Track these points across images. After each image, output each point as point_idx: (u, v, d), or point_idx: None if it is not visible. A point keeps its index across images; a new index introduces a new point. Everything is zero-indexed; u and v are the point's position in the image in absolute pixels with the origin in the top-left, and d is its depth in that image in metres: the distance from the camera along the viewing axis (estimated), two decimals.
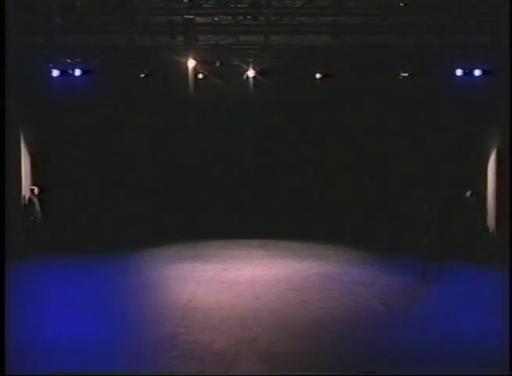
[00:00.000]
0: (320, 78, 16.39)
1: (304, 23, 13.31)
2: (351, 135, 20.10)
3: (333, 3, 12.00)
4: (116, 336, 10.05)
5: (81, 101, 18.18)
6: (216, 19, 13.04)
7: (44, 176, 18.16)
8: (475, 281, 13.88)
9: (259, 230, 19.17)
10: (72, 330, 10.29)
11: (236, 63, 15.89)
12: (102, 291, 13.05)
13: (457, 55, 14.95)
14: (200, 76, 16.18)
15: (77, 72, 15.50)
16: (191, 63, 15.00)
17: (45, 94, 17.04)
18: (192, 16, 12.81)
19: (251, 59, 15.79)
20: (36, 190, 17.92)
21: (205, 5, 12.41)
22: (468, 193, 16.92)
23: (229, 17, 12.98)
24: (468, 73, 15.35)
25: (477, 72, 15.26)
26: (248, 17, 12.84)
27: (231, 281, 14.00)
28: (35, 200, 17.84)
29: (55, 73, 15.62)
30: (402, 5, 12.09)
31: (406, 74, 15.80)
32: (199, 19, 13.05)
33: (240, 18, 12.96)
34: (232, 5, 12.34)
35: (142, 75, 15.78)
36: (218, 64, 15.52)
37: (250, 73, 16.09)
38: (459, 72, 15.43)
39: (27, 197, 17.76)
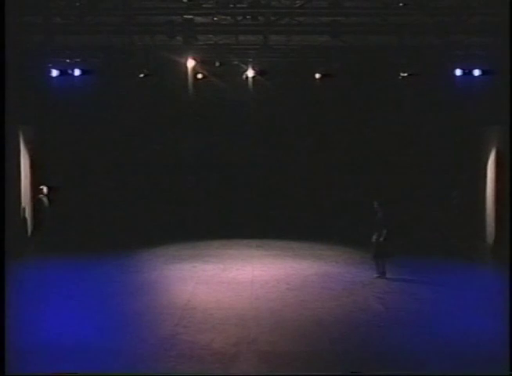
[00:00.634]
0: (320, 78, 16.42)
1: (304, 23, 13.29)
2: (350, 134, 20.12)
3: (332, 3, 11.97)
4: (115, 336, 10.06)
5: (80, 101, 18.18)
6: (215, 19, 13.02)
7: (44, 176, 18.15)
8: (475, 281, 13.87)
9: (258, 230, 19.19)
10: (72, 330, 10.30)
11: (236, 63, 15.91)
12: (102, 290, 13.05)
13: (457, 55, 14.95)
14: (200, 76, 16.22)
15: (77, 72, 15.50)
16: (190, 63, 15.00)
17: (44, 94, 17.05)
18: (191, 16, 12.78)
19: (251, 59, 15.80)
20: (45, 190, 17.81)
21: (204, 5, 12.38)
22: (454, 194, 17.04)
23: (229, 17, 12.96)
24: (468, 73, 15.35)
25: (476, 72, 15.26)
26: (247, 17, 12.81)
27: (230, 281, 14.00)
28: (44, 199, 17.79)
29: (55, 73, 15.62)
30: (401, 5, 12.08)
31: (406, 74, 15.81)
32: (198, 19, 13.03)
33: (240, 18, 12.94)
34: (231, 5, 12.32)
35: (142, 75, 15.78)
36: (217, 64, 15.55)
37: (250, 73, 16.12)
38: (458, 72, 15.44)
39: (37, 196, 17.67)
